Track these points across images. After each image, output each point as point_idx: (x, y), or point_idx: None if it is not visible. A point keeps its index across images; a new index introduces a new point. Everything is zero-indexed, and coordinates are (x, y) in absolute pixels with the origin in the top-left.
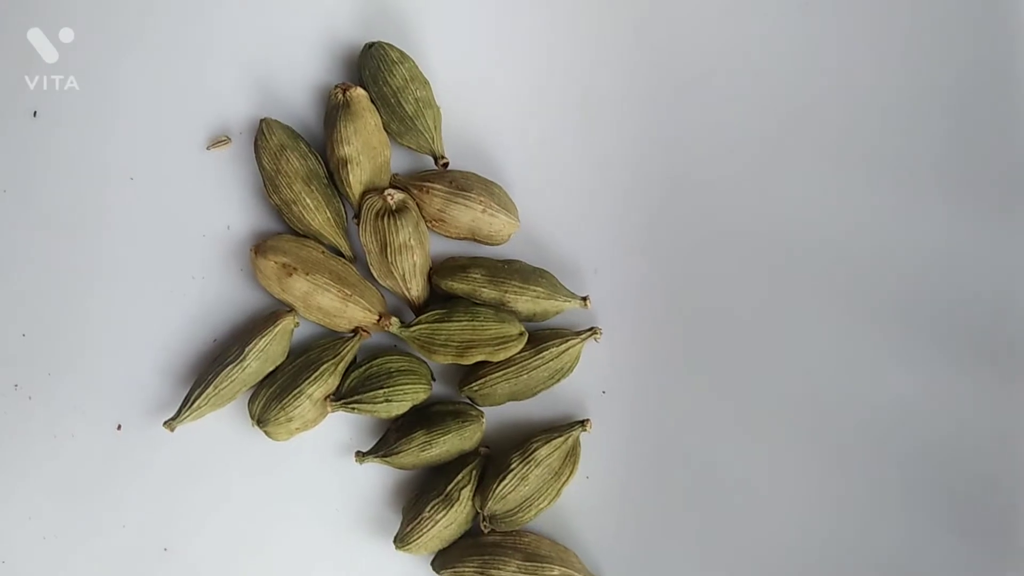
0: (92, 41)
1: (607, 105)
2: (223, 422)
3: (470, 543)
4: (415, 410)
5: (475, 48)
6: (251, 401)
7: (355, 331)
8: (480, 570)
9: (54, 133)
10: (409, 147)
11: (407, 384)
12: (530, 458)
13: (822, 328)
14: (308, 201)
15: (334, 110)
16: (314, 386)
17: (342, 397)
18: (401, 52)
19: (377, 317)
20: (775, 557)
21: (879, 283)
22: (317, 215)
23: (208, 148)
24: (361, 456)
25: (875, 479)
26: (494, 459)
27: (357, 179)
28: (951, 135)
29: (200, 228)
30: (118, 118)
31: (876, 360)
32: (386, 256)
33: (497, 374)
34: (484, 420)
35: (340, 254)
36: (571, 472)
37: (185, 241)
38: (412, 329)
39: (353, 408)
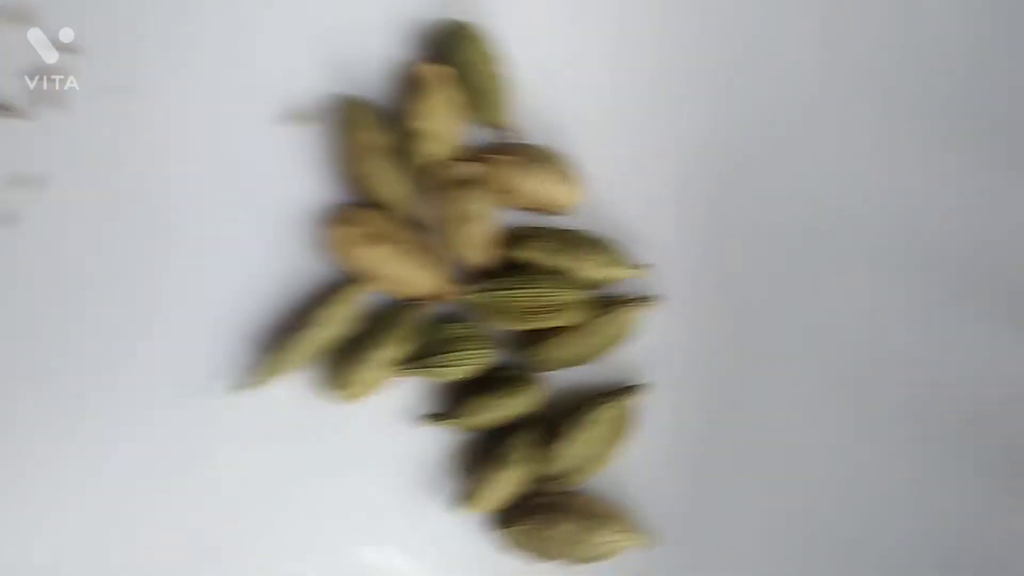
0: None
1: (679, 83)
2: (289, 388)
3: (526, 504)
4: (477, 375)
5: (549, 24)
6: (319, 367)
7: (421, 298)
8: (536, 528)
9: (124, 111)
10: (481, 121)
11: (470, 349)
12: (587, 421)
13: (890, 306)
14: (381, 174)
15: (409, 85)
16: (380, 351)
17: (407, 362)
18: (476, 28)
19: (444, 285)
20: (833, 520)
21: (956, 271)
22: (389, 187)
23: (284, 124)
24: (427, 419)
25: (937, 448)
26: (552, 422)
27: (429, 152)
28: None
29: (272, 201)
30: (191, 95)
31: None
32: (455, 226)
33: (557, 339)
34: (543, 384)
35: (410, 225)
36: (627, 435)
37: (257, 215)
38: (476, 296)
39: (417, 372)
